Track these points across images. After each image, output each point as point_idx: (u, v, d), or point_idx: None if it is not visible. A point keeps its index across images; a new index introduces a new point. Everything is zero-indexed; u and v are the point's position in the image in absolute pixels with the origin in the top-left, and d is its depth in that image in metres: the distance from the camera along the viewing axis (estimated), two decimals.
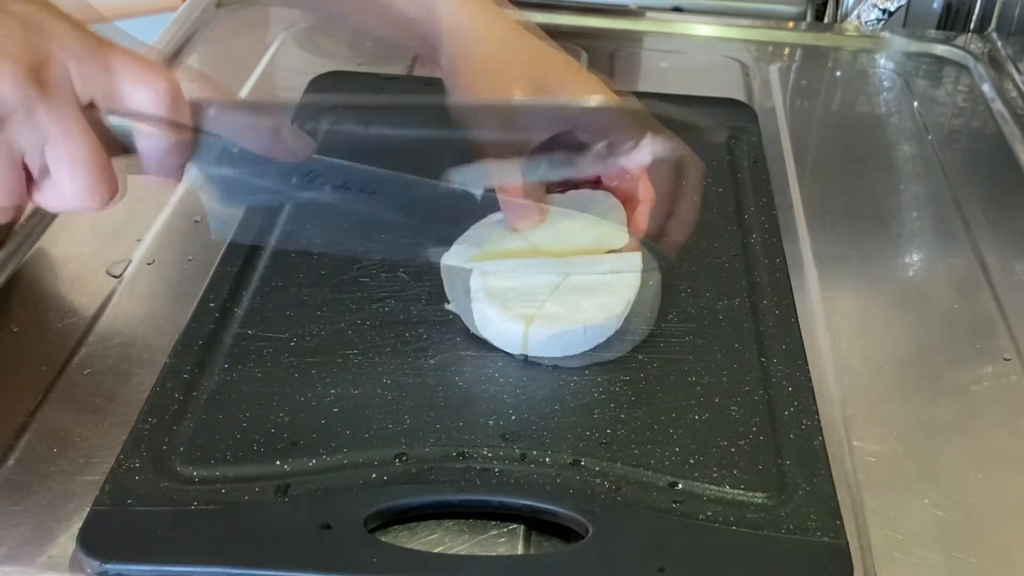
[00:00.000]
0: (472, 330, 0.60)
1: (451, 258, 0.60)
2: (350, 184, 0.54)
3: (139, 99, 0.48)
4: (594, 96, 0.63)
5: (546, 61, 0.65)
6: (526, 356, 0.58)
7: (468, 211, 0.59)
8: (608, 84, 0.65)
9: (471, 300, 0.60)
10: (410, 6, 0.67)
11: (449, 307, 0.61)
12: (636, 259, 0.61)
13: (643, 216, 0.62)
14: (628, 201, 0.64)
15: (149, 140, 0.49)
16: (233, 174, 0.52)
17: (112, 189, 0.48)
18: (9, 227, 0.68)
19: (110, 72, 0.47)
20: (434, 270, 0.64)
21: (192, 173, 0.51)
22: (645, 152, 0.62)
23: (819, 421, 0.56)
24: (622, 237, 0.61)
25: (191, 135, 0.50)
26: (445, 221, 0.58)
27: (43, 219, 0.71)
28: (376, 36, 0.71)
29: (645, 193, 0.62)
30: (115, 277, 0.66)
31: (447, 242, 0.60)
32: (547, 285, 0.59)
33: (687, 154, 0.64)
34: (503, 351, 0.59)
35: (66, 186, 0.47)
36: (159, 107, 0.48)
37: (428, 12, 0.66)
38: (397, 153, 0.60)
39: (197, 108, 0.49)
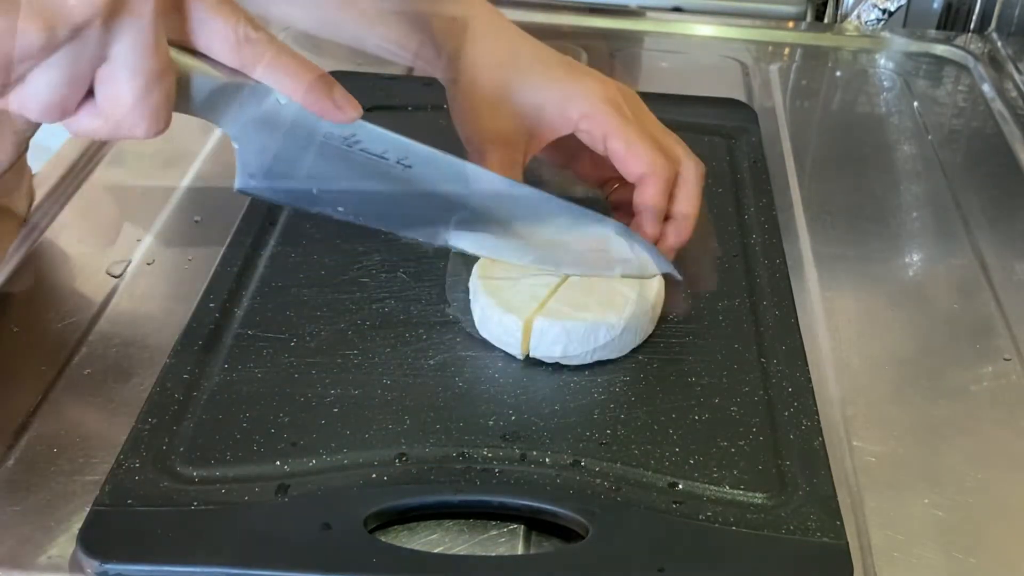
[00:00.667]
0: (472, 332, 0.60)
1: (466, 243, 0.59)
2: (388, 153, 0.54)
3: (209, 38, 0.48)
4: (593, 95, 0.63)
5: (547, 61, 0.65)
6: (526, 355, 0.58)
7: (499, 200, 0.58)
8: (610, 81, 0.65)
9: (471, 299, 0.60)
10: (407, 13, 0.67)
11: (449, 311, 0.61)
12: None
13: (642, 223, 0.62)
14: (629, 202, 0.64)
15: (205, 79, 0.49)
16: (275, 128, 0.52)
17: (167, 118, 0.47)
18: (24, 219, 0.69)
19: (188, 5, 0.47)
20: (434, 271, 0.64)
21: (235, 120, 0.51)
22: (641, 162, 0.62)
23: (819, 421, 0.56)
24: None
25: (245, 79, 0.50)
26: (474, 207, 0.57)
27: (44, 219, 0.71)
28: (373, 44, 0.70)
29: (643, 203, 0.62)
30: (115, 277, 0.66)
31: (472, 229, 0.59)
32: (548, 284, 0.59)
33: (688, 155, 0.64)
34: (503, 352, 0.59)
35: (125, 103, 0.45)
36: (227, 49, 0.48)
37: (429, 18, 0.66)
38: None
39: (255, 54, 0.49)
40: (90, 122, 0.47)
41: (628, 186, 0.64)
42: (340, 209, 0.55)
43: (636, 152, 0.62)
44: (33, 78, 0.44)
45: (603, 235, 0.60)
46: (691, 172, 0.64)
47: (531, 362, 0.58)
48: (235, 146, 0.53)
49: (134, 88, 0.45)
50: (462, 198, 0.57)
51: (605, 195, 0.67)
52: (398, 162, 0.55)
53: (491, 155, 0.62)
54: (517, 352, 0.58)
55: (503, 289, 0.59)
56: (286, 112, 0.51)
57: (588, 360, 0.58)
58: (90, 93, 0.46)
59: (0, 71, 0.43)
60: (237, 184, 0.54)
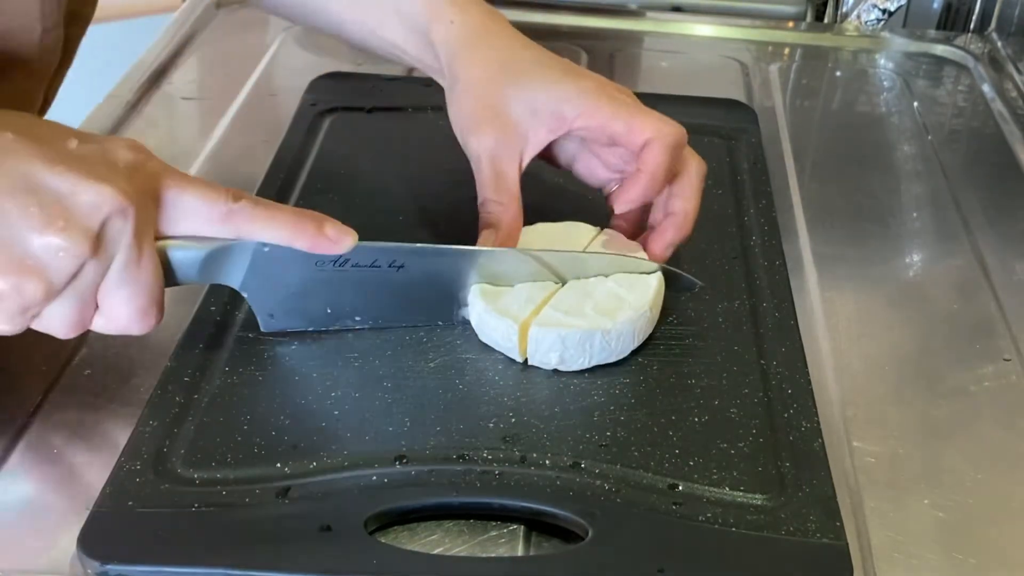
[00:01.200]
0: (472, 334, 0.60)
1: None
2: (379, 262, 0.57)
3: (196, 222, 0.52)
4: (591, 94, 0.63)
5: (542, 64, 0.64)
6: (526, 360, 0.58)
7: (502, 272, 0.60)
8: (607, 81, 0.64)
9: (468, 304, 0.60)
10: (407, 18, 0.67)
11: (462, 312, 0.61)
12: (642, 262, 0.61)
13: (634, 183, 0.62)
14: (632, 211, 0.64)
15: (191, 253, 0.53)
16: (271, 270, 0.55)
17: (159, 314, 0.52)
18: None
19: (167, 200, 0.51)
20: None
21: (233, 275, 0.55)
22: (646, 129, 0.61)
23: (819, 423, 0.56)
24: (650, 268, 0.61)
25: (224, 241, 0.53)
26: (475, 282, 0.60)
27: None
28: (376, 45, 0.70)
29: (645, 165, 0.61)
30: None
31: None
32: (544, 287, 0.59)
33: (691, 152, 0.64)
34: (503, 354, 0.59)
35: (119, 311, 0.51)
36: (217, 224, 0.52)
37: (428, 23, 0.65)
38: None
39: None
40: (104, 326, 0.51)
41: (627, 184, 0.64)
42: (358, 319, 0.59)
43: (637, 123, 0.61)
44: (49, 313, 0.49)
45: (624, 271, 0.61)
46: (693, 168, 0.63)
47: (531, 365, 0.58)
48: (245, 295, 0.57)
49: (123, 297, 0.50)
50: (460, 278, 0.59)
51: (605, 194, 0.67)
52: (390, 266, 0.57)
53: (486, 163, 0.62)
54: (514, 354, 0.58)
55: (499, 294, 0.59)
56: (274, 255, 0.54)
57: (586, 365, 0.58)
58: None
59: (17, 318, 0.49)
60: (262, 327, 0.58)
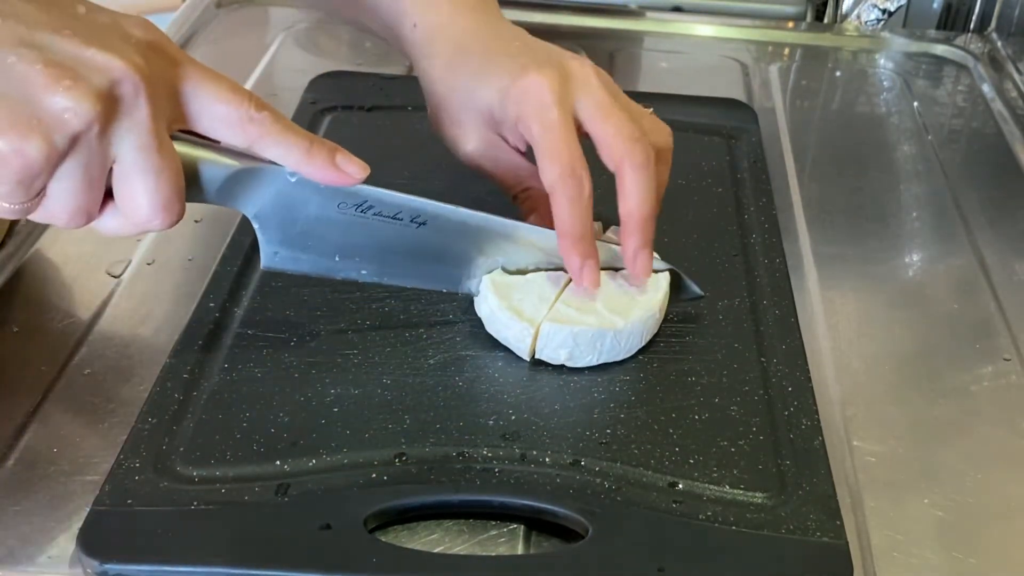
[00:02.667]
0: (472, 331, 0.60)
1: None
2: (402, 214, 0.56)
3: (213, 121, 0.50)
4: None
5: (496, 58, 0.61)
6: (532, 356, 0.58)
7: (515, 244, 0.59)
8: (564, 65, 0.60)
9: (478, 297, 0.60)
10: (384, 14, 0.66)
11: (449, 310, 0.61)
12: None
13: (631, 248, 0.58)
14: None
15: (215, 168, 0.51)
16: (291, 205, 0.54)
17: (182, 210, 0.49)
18: (10, 228, 0.69)
19: (184, 91, 0.49)
20: None
21: (251, 203, 0.53)
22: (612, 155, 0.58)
23: (819, 421, 0.56)
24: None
25: (255, 163, 0.52)
26: (491, 254, 0.59)
27: None
28: (373, 31, 0.70)
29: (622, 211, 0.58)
30: (115, 277, 0.66)
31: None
32: (556, 283, 0.59)
33: (641, 136, 0.58)
34: (503, 351, 0.59)
35: (140, 201, 0.48)
36: (233, 129, 0.50)
37: (397, 23, 0.64)
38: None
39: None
40: (114, 222, 0.49)
41: (541, 192, 0.59)
42: (364, 272, 0.58)
43: (608, 140, 0.57)
44: (52, 191, 0.46)
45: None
46: (639, 158, 0.57)
47: (532, 362, 0.58)
48: (255, 226, 0.55)
49: (145, 186, 0.48)
50: (478, 247, 0.59)
51: (512, 198, 0.63)
52: (412, 221, 0.56)
53: (488, 165, 0.62)
54: (524, 354, 0.58)
55: (512, 289, 0.59)
56: (299, 188, 0.53)
57: (594, 363, 0.58)
58: (111, 194, 0.48)
59: (18, 189, 0.45)
60: (263, 263, 0.56)
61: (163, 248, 0.69)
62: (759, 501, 0.51)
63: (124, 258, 0.68)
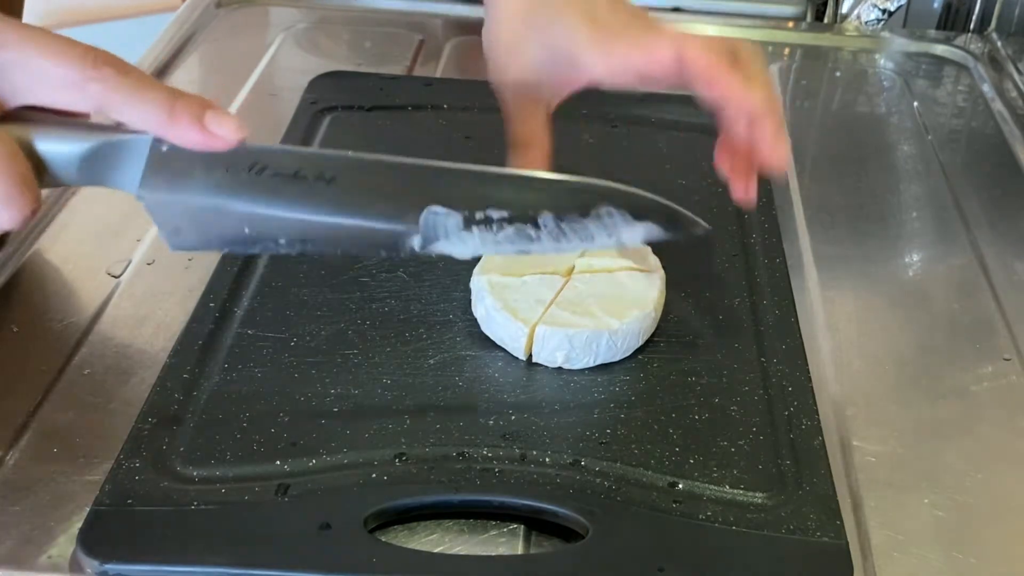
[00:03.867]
0: (472, 331, 0.60)
1: (448, 246, 0.53)
2: (304, 171, 0.48)
3: (52, 89, 0.43)
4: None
5: (560, 15, 0.57)
6: (529, 358, 0.58)
7: (455, 194, 0.51)
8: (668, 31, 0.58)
9: (474, 297, 0.60)
10: None
11: (449, 310, 0.61)
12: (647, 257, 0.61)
13: (770, 132, 0.55)
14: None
15: (65, 146, 0.44)
16: (170, 175, 0.47)
17: (32, 199, 0.43)
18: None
19: (6, 61, 0.42)
20: (434, 271, 0.64)
21: (125, 179, 0.47)
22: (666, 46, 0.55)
23: (819, 421, 0.56)
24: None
25: (112, 134, 0.45)
26: (422, 204, 0.50)
27: (42, 219, 0.71)
28: None
29: (761, 104, 0.55)
30: (115, 277, 0.66)
31: (440, 233, 0.51)
32: (553, 285, 0.59)
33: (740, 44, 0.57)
34: (503, 352, 0.59)
35: None
36: (74, 93, 0.43)
37: None
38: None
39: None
40: None
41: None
42: (282, 242, 0.50)
43: (656, 47, 0.55)
44: None
45: (610, 199, 0.53)
46: (746, 57, 0.56)
47: (532, 362, 0.58)
48: (143, 206, 0.48)
49: None
50: (404, 198, 0.50)
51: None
52: (317, 178, 0.49)
53: (515, 115, 0.58)
54: (519, 353, 0.58)
55: (508, 289, 0.59)
56: (173, 154, 0.46)
57: (591, 364, 0.58)
58: None
59: None
60: (170, 247, 0.49)
61: (163, 248, 0.68)
62: (759, 501, 0.51)
63: (124, 258, 0.68)
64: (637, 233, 0.53)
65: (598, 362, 0.58)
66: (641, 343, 0.59)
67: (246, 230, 0.49)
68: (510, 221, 0.51)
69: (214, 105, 0.45)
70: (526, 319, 0.57)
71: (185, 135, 0.45)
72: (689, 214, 0.55)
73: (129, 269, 0.67)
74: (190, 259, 0.67)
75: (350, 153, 0.50)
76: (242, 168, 0.47)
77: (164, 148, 0.46)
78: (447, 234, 0.51)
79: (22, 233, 0.69)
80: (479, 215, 0.51)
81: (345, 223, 0.50)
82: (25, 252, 0.68)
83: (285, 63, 0.95)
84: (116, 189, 0.47)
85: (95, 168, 0.46)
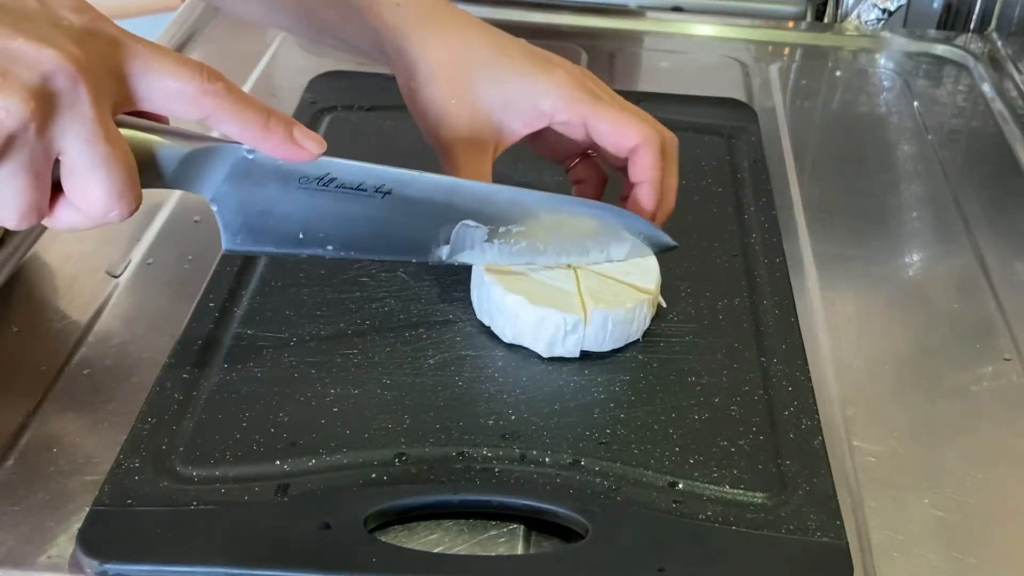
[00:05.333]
0: (471, 331, 0.60)
1: (467, 256, 0.59)
2: (365, 184, 0.54)
3: (167, 98, 0.47)
4: (566, 83, 0.61)
5: (509, 51, 0.62)
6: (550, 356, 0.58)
7: (483, 205, 0.57)
8: (575, 67, 0.63)
9: (488, 303, 0.59)
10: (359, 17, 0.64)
11: (449, 310, 0.61)
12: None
13: (643, 196, 0.61)
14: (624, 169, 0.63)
15: (168, 150, 0.49)
16: (250, 182, 0.52)
17: (138, 197, 0.47)
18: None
19: (130, 71, 0.46)
20: (434, 271, 0.64)
21: (208, 183, 0.51)
22: (633, 133, 0.61)
23: (819, 421, 0.56)
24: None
25: (209, 142, 0.50)
26: (457, 217, 0.57)
27: None
28: (311, 29, 0.68)
29: (643, 174, 0.61)
30: (115, 277, 0.66)
31: (467, 244, 0.58)
32: (567, 277, 0.60)
33: (662, 127, 0.63)
34: (503, 351, 0.59)
35: (94, 195, 0.45)
36: (187, 103, 0.47)
37: (368, 5, 0.63)
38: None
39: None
40: (68, 216, 0.47)
41: (589, 160, 0.64)
42: (329, 248, 0.55)
43: (623, 127, 0.61)
44: None
45: (605, 219, 0.60)
46: (671, 145, 0.62)
47: (531, 361, 0.58)
48: (214, 209, 0.52)
49: (96, 178, 0.45)
50: (445, 212, 0.56)
51: (565, 169, 0.66)
52: (376, 191, 0.55)
53: (458, 156, 0.60)
54: (552, 351, 0.58)
55: (504, 271, 0.59)
56: (257, 164, 0.51)
57: (607, 348, 0.58)
58: (60, 188, 0.46)
59: None
60: (224, 246, 0.54)
61: (163, 248, 0.69)
62: (759, 501, 0.51)
63: (124, 258, 0.68)
64: (623, 249, 0.61)
65: (619, 344, 0.59)
66: (636, 334, 0.59)
67: (300, 235, 0.54)
68: (525, 236, 0.58)
69: (299, 123, 0.50)
70: (569, 308, 0.57)
71: (278, 146, 0.50)
72: (664, 234, 0.61)
73: (129, 269, 0.67)
74: (190, 259, 0.67)
75: (408, 171, 0.55)
76: (312, 180, 0.53)
77: (251, 155, 0.51)
78: (472, 245, 0.58)
79: (22, 233, 0.69)
80: (502, 229, 0.58)
81: (392, 232, 0.56)
82: (25, 252, 0.68)
83: (285, 63, 0.95)
84: (196, 193, 0.51)
85: (184, 172, 0.50)
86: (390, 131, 0.80)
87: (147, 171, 0.48)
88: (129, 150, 0.46)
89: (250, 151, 0.51)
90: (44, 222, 0.47)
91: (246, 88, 0.89)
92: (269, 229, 0.54)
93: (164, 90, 0.47)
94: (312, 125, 0.79)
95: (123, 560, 0.46)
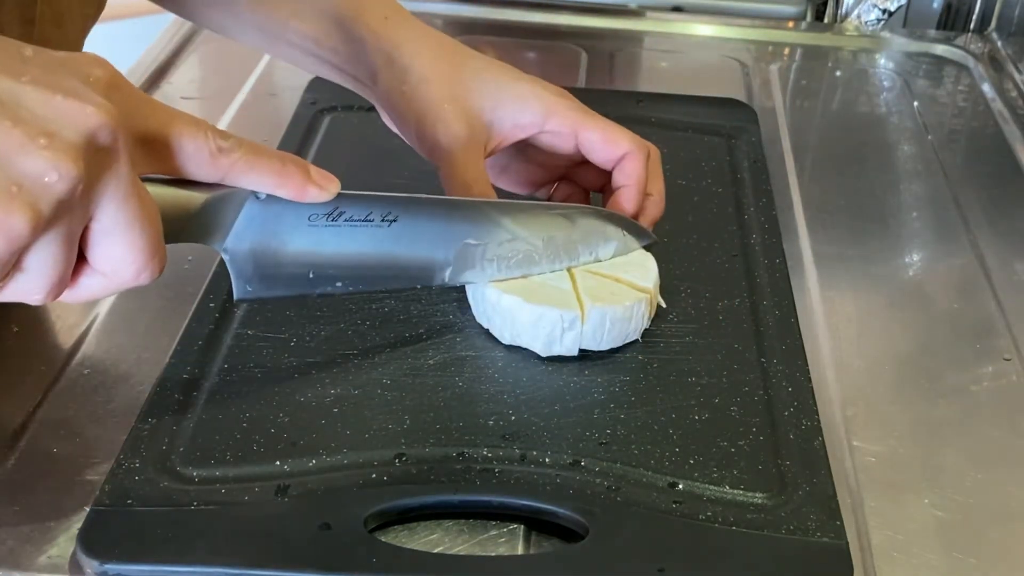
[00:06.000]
0: (471, 331, 0.60)
1: (470, 275, 0.59)
2: (373, 215, 0.54)
3: (184, 160, 0.46)
4: (553, 97, 0.63)
5: (492, 67, 0.64)
6: (549, 355, 0.58)
7: (486, 225, 0.58)
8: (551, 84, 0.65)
9: (484, 305, 0.59)
10: (328, 9, 0.64)
11: (449, 310, 0.61)
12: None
13: (629, 197, 0.62)
14: (602, 189, 0.65)
15: (185, 201, 0.48)
16: (261, 227, 0.52)
17: (164, 256, 0.46)
18: None
19: (150, 132, 0.45)
20: None
21: (222, 232, 0.51)
22: (622, 143, 0.62)
23: (819, 421, 0.55)
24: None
25: (221, 190, 0.49)
26: (459, 237, 0.58)
27: None
28: (283, 44, 0.67)
29: (628, 178, 0.62)
30: None
31: (469, 263, 0.58)
32: (563, 276, 0.60)
33: (645, 142, 0.64)
34: (503, 351, 0.59)
35: (126, 257, 0.44)
36: (203, 165, 0.47)
37: (354, 15, 0.63)
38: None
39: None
40: (92, 284, 0.45)
41: (570, 183, 0.66)
42: (339, 285, 0.56)
43: (613, 135, 0.62)
44: (29, 264, 0.42)
45: (590, 222, 0.61)
46: (655, 155, 0.64)
47: (531, 361, 0.58)
48: (226, 259, 0.52)
49: (130, 240, 0.44)
50: (448, 233, 0.57)
51: (547, 196, 0.67)
52: (383, 220, 0.55)
53: (455, 155, 0.61)
54: (550, 349, 0.58)
55: (529, 287, 0.59)
56: (268, 207, 0.51)
57: (605, 347, 0.58)
58: (79, 258, 0.44)
59: None
60: (236, 295, 0.53)
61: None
62: (759, 501, 0.51)
63: None
64: (610, 248, 0.62)
65: (617, 343, 0.59)
66: (634, 332, 0.59)
67: (311, 275, 0.55)
68: (521, 248, 0.59)
69: (311, 164, 0.51)
70: (567, 306, 0.57)
71: (296, 189, 0.50)
72: (642, 226, 0.63)
73: None
74: (190, 259, 0.67)
75: (412, 195, 0.56)
76: (321, 216, 0.53)
77: (261, 198, 0.51)
78: (473, 264, 0.58)
79: None
80: (500, 243, 0.58)
81: (399, 260, 0.56)
82: None
83: (286, 63, 0.95)
84: (209, 244, 0.51)
85: (199, 223, 0.50)
86: (391, 132, 0.79)
87: (166, 226, 0.47)
88: (157, 208, 0.45)
89: (259, 195, 0.51)
90: (64, 296, 0.45)
91: (246, 89, 0.89)
92: (280, 273, 0.54)
93: (181, 151, 0.46)
94: (312, 125, 0.79)
95: (123, 560, 0.46)
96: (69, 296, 0.45)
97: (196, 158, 0.46)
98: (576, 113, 0.63)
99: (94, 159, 0.41)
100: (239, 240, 0.52)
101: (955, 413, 0.60)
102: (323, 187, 0.51)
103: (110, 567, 0.46)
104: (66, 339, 0.61)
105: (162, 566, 0.46)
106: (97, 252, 0.44)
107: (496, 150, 0.63)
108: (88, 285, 0.45)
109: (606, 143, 0.62)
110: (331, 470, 0.51)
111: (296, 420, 0.54)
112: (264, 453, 0.52)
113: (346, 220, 0.54)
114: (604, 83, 0.95)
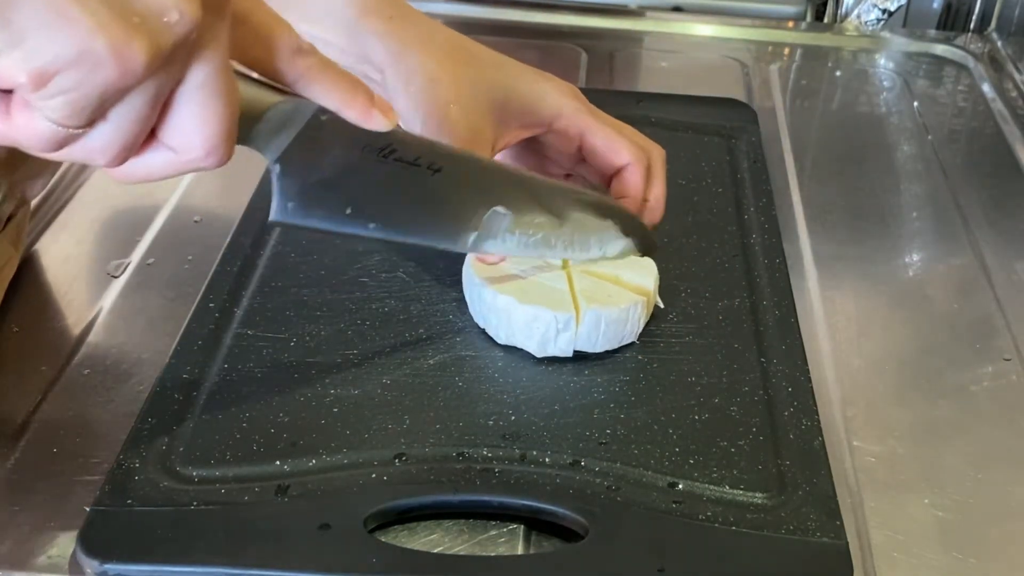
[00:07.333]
0: (470, 331, 0.60)
1: (492, 246, 0.58)
2: (421, 159, 0.53)
3: (266, 51, 0.45)
4: (562, 94, 0.63)
5: (503, 62, 0.63)
6: (544, 355, 0.58)
7: (519, 194, 0.57)
8: (565, 82, 0.64)
9: (481, 304, 0.59)
10: (333, 8, 0.63)
11: (449, 310, 0.61)
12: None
13: (633, 178, 0.62)
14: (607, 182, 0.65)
15: (257, 100, 0.46)
16: (317, 148, 0.50)
17: (233, 148, 0.44)
18: (17, 235, 0.68)
19: (240, 14, 0.43)
20: (434, 271, 0.64)
21: (278, 144, 0.49)
22: (624, 154, 0.62)
23: (819, 421, 0.56)
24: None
25: (289, 98, 0.48)
26: (493, 204, 0.56)
27: (43, 219, 0.71)
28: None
29: (626, 191, 0.63)
30: (115, 277, 0.66)
31: (493, 231, 0.57)
32: (559, 277, 0.60)
33: (649, 142, 0.65)
34: (503, 351, 0.59)
35: (202, 131, 0.41)
36: (282, 62, 0.45)
37: (357, 15, 0.63)
38: None
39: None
40: (155, 159, 0.42)
41: (575, 177, 0.66)
42: (371, 226, 0.54)
43: (616, 145, 0.62)
44: (114, 115, 0.39)
45: (606, 222, 0.61)
46: (658, 158, 0.64)
47: (531, 361, 0.58)
48: (274, 174, 0.50)
49: (213, 112, 0.41)
50: (484, 196, 0.56)
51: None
52: (428, 167, 0.54)
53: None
54: (545, 350, 0.58)
55: (525, 287, 0.59)
56: (327, 127, 0.50)
57: (600, 349, 0.58)
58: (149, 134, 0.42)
59: (89, 106, 0.38)
60: (273, 215, 0.51)
61: (163, 248, 0.69)
62: (759, 501, 0.51)
63: (124, 258, 0.68)
64: (619, 246, 0.62)
65: (614, 345, 0.59)
66: (631, 334, 0.59)
67: (348, 210, 0.53)
68: (543, 227, 0.58)
69: (374, 92, 0.49)
70: (562, 307, 0.57)
71: (362, 111, 0.49)
72: (653, 238, 0.63)
73: (129, 269, 0.67)
74: (190, 259, 0.67)
75: (461, 151, 0.56)
76: (375, 150, 0.51)
77: (324, 118, 0.49)
78: (497, 233, 0.57)
79: (22, 233, 0.69)
80: (526, 218, 0.57)
81: (432, 213, 0.55)
82: (25, 252, 0.68)
83: None
84: (262, 151, 0.49)
85: (261, 127, 0.48)
86: None
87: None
88: (238, 89, 0.43)
89: (324, 113, 0.49)
90: (120, 169, 0.42)
91: None
92: (322, 200, 0.52)
93: (266, 40, 0.44)
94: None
95: (123, 560, 0.46)
96: (129, 169, 0.42)
97: (279, 51, 0.45)
98: (582, 116, 0.63)
99: (208, 13, 0.39)
100: (292, 155, 0.49)
101: (955, 413, 0.60)
102: (385, 113, 0.49)
103: (110, 567, 0.46)
104: (66, 339, 0.61)
105: (162, 566, 0.46)
106: (174, 121, 0.41)
107: (503, 148, 0.63)
108: (152, 160, 0.42)
109: (607, 152, 0.62)
110: (331, 470, 0.51)
111: (296, 420, 0.54)
112: (264, 453, 0.52)
113: (395, 158, 0.52)
114: (604, 83, 0.95)
